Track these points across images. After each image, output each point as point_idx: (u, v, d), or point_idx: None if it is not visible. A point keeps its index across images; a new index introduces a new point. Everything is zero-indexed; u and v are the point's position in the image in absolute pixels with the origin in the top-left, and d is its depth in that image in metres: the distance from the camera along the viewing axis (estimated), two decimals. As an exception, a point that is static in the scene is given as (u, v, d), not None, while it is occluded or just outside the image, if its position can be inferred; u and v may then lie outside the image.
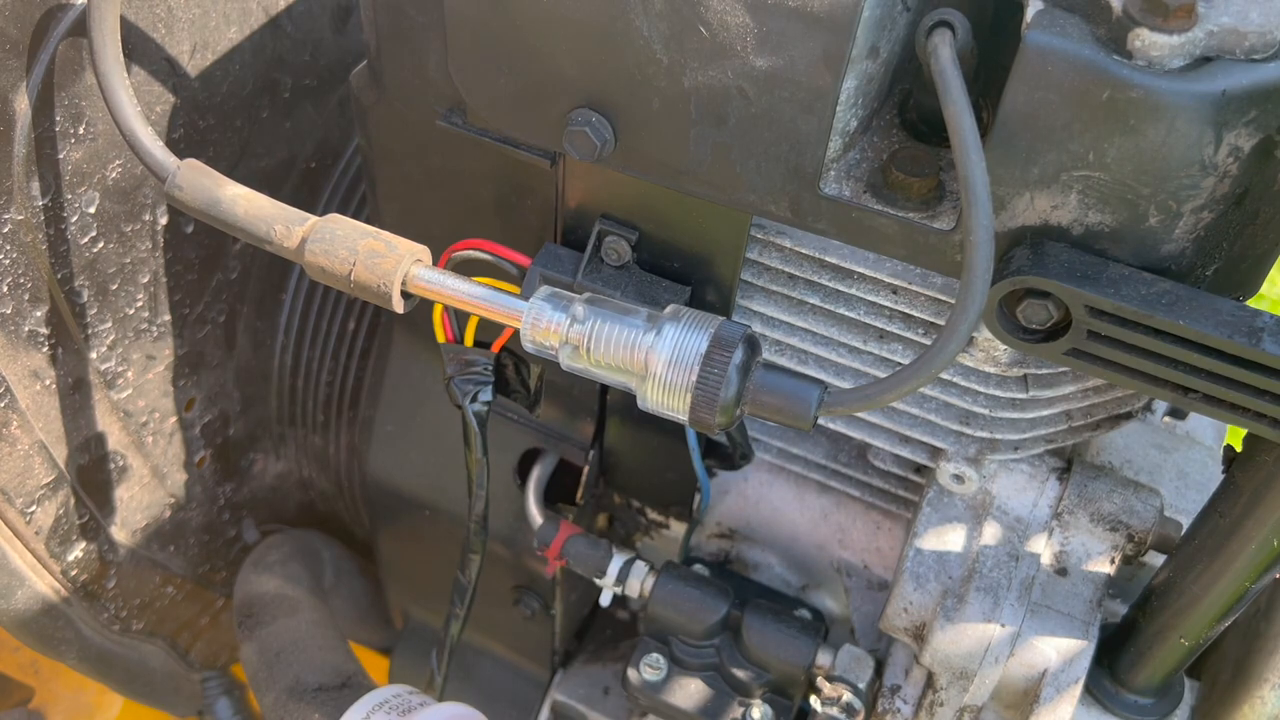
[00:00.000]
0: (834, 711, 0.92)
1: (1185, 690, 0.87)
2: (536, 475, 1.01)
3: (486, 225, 0.87)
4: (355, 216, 0.83)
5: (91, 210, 0.86)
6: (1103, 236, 0.64)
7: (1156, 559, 0.90)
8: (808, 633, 0.95)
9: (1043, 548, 0.86)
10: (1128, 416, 0.84)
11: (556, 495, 1.03)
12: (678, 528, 1.06)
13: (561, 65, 0.69)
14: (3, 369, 0.83)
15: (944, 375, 0.80)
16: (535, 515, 1.00)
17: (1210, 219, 0.63)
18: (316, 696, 1.00)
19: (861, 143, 0.71)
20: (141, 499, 1.05)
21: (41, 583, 0.96)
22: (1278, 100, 0.57)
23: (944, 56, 0.61)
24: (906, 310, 0.77)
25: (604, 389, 0.94)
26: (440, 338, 0.86)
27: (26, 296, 0.83)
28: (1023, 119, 0.61)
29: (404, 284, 0.71)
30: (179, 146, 0.91)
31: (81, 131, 0.81)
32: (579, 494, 1.00)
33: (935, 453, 0.87)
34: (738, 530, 1.07)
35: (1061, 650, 0.82)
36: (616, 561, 0.99)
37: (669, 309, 0.68)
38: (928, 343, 0.78)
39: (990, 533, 0.86)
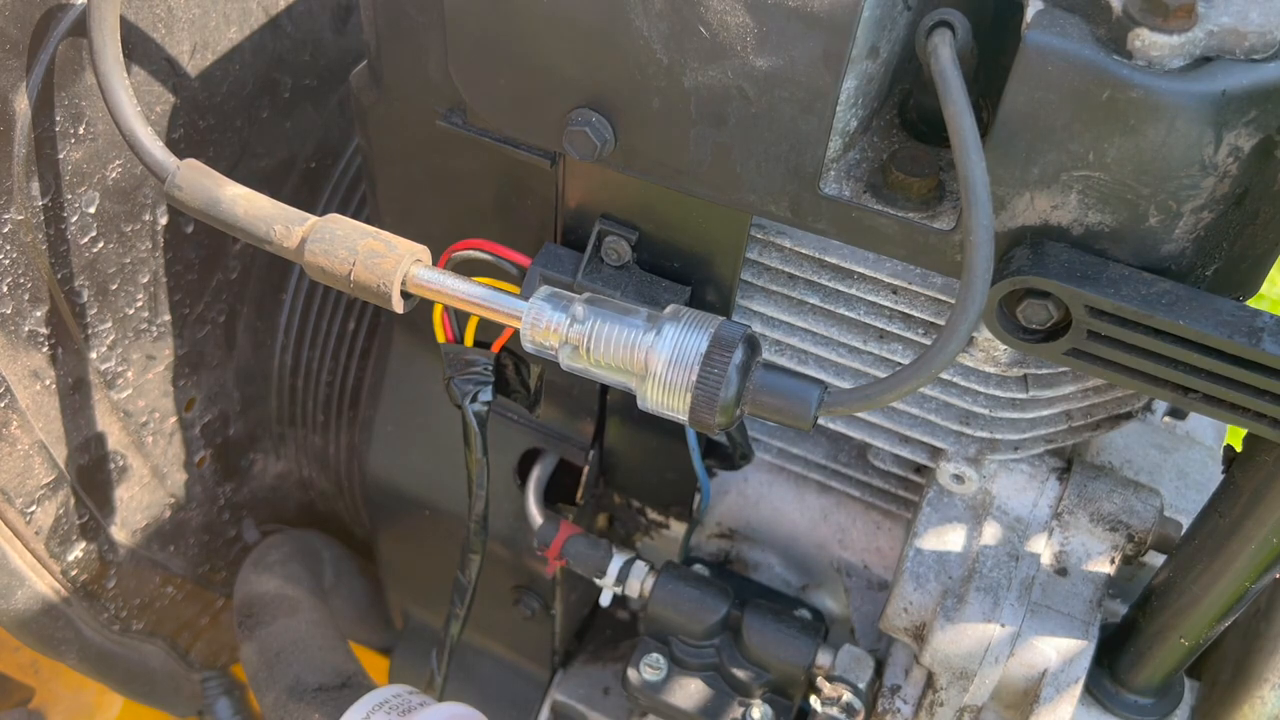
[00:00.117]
0: (834, 711, 0.92)
1: (1185, 690, 0.87)
2: (536, 475, 1.01)
3: (486, 225, 0.87)
4: (355, 216, 0.83)
5: (91, 210, 0.86)
6: (1103, 236, 0.64)
7: (1156, 559, 0.90)
8: (808, 633, 0.95)
9: (1043, 548, 0.86)
10: (1128, 416, 0.84)
11: (556, 495, 1.03)
12: (678, 528, 1.06)
13: (561, 65, 0.69)
14: (3, 369, 0.83)
15: (944, 375, 0.80)
16: (535, 515, 1.00)
17: (1210, 219, 0.63)
18: (316, 696, 1.00)
19: (861, 143, 0.71)
20: (141, 499, 1.05)
21: (41, 583, 0.96)
22: (1278, 100, 0.57)
23: (944, 56, 0.61)
24: (906, 310, 0.77)
25: (604, 389, 0.94)
26: (440, 338, 0.86)
27: (26, 296, 0.83)
28: (1023, 119, 0.61)
29: (404, 284, 0.71)
30: (179, 146, 0.91)
31: (81, 131, 0.81)
32: (579, 494, 1.00)
33: (935, 453, 0.87)
34: (738, 530, 1.07)
35: (1061, 650, 0.82)
36: (616, 561, 0.99)
37: (669, 309, 0.68)
38: (928, 343, 0.78)
39: (990, 533, 0.86)
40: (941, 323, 0.76)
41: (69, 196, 0.83)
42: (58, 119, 0.79)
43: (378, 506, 1.15)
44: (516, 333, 0.70)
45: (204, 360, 1.06)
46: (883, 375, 0.81)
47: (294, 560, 1.21)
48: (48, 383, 0.88)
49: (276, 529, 1.28)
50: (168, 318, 0.99)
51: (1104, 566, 0.86)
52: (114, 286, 0.91)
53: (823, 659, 0.95)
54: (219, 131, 0.96)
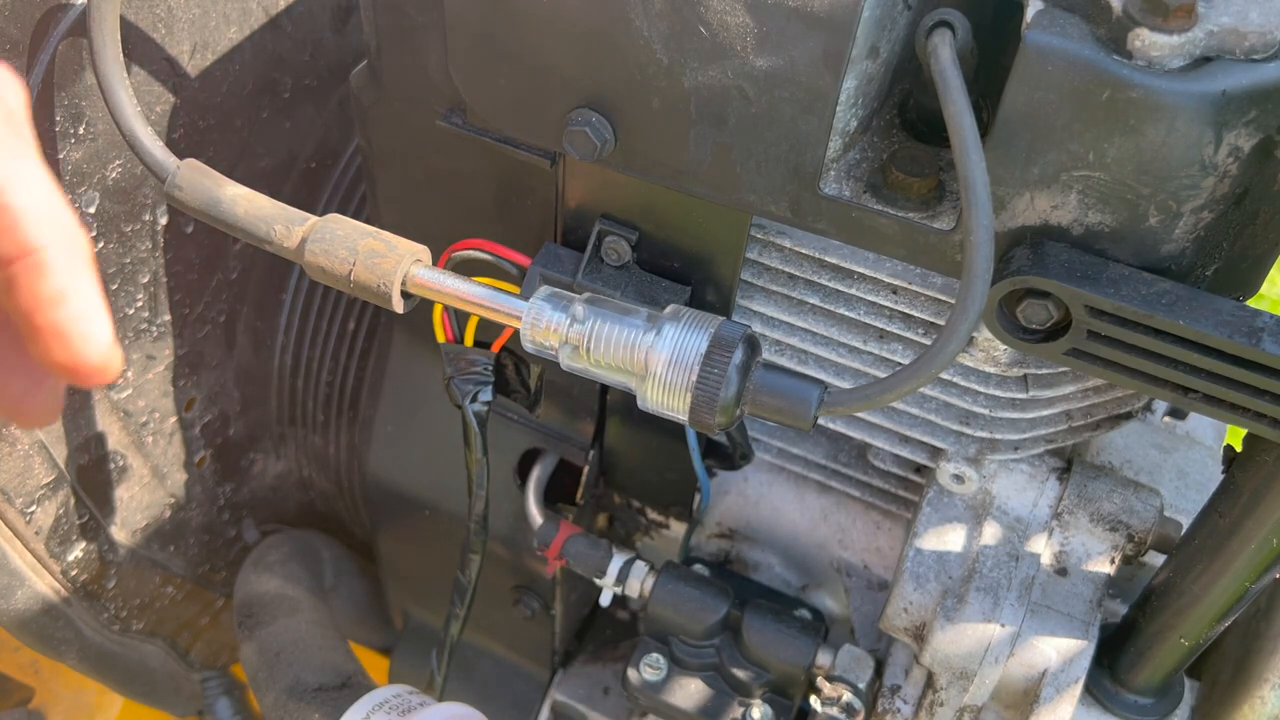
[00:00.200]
0: (834, 711, 0.92)
1: (1185, 690, 0.87)
2: (536, 475, 1.01)
3: (486, 225, 0.87)
4: (355, 216, 0.83)
5: (91, 210, 0.86)
6: (1103, 236, 0.64)
7: (1156, 559, 0.90)
8: (808, 633, 0.95)
9: (1043, 548, 0.86)
10: (1128, 416, 0.84)
11: (556, 495, 1.03)
12: (678, 528, 1.06)
13: (561, 65, 0.69)
14: (3, 369, 0.83)
15: (944, 375, 0.80)
16: (535, 515, 1.00)
17: (1210, 219, 0.63)
18: (316, 696, 1.00)
19: (861, 143, 0.71)
20: (141, 499, 1.05)
21: (41, 583, 0.96)
22: (1278, 100, 0.57)
23: (944, 56, 0.61)
24: (906, 310, 0.77)
25: (604, 389, 0.94)
26: (440, 338, 0.86)
27: (26, 296, 0.83)
28: (1023, 119, 0.61)
29: (404, 284, 0.71)
30: (179, 146, 0.91)
31: (81, 131, 0.81)
32: (579, 494, 1.00)
33: (935, 453, 0.87)
34: (738, 530, 1.07)
35: (1061, 650, 0.82)
36: (616, 561, 0.99)
37: (669, 309, 0.68)
38: (928, 343, 0.78)
39: (990, 533, 0.86)
40: (941, 323, 0.76)
41: (69, 196, 0.83)
42: (58, 119, 0.79)
43: (378, 506, 1.15)
44: (516, 333, 0.70)
45: (204, 360, 1.06)
46: (883, 375, 0.81)
47: (294, 560, 1.21)
48: (48, 383, 0.88)
49: (276, 529, 1.28)
50: (168, 318, 0.99)
51: (1104, 566, 0.86)
52: (114, 286, 0.91)
53: (823, 659, 0.95)
54: (219, 131, 0.96)
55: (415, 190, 0.88)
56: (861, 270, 0.76)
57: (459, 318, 0.86)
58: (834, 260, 0.77)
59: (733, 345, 0.65)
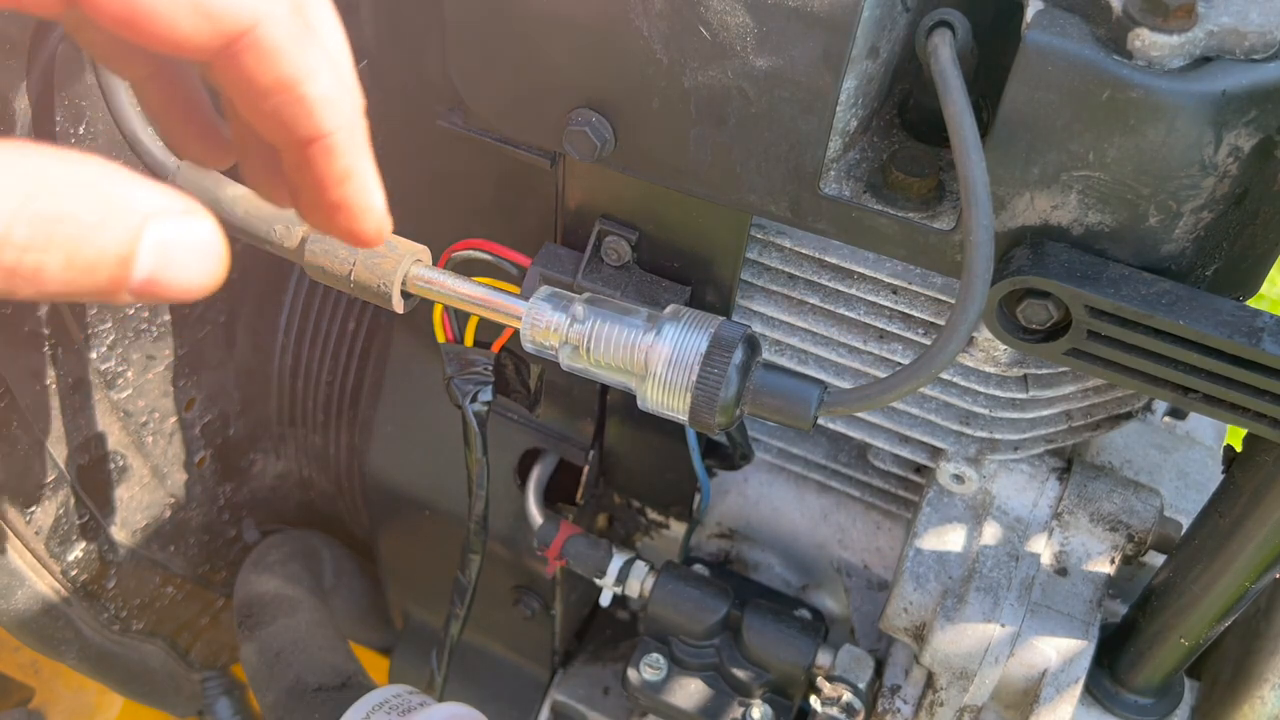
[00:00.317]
0: (834, 711, 0.92)
1: (1185, 690, 0.87)
2: (536, 475, 1.01)
3: (486, 225, 0.87)
4: (355, 216, 0.83)
5: (91, 210, 0.85)
6: (1103, 236, 0.64)
7: (1156, 559, 0.90)
8: (808, 633, 0.95)
9: (1043, 548, 0.86)
10: (1128, 416, 0.84)
11: (556, 495, 1.03)
12: (678, 528, 1.06)
13: (561, 65, 0.69)
14: (3, 369, 0.83)
15: (944, 375, 0.80)
16: (535, 515, 1.00)
17: (1210, 219, 0.63)
18: (316, 696, 1.00)
19: (861, 143, 0.71)
20: (141, 499, 1.05)
21: (41, 583, 0.96)
22: (1278, 100, 0.57)
23: (944, 56, 0.61)
24: (906, 310, 0.77)
25: (604, 389, 0.94)
26: (440, 338, 0.86)
27: (26, 296, 0.83)
28: (1023, 119, 0.61)
29: (404, 284, 0.71)
30: (179, 146, 0.91)
31: (81, 131, 0.81)
32: (579, 494, 1.00)
33: (935, 453, 0.87)
34: (738, 530, 1.07)
35: (1061, 650, 0.82)
36: (616, 561, 0.99)
37: (669, 309, 0.68)
38: (928, 343, 0.78)
39: (990, 533, 0.86)
40: (941, 323, 0.76)
41: None
42: (58, 119, 0.79)
43: (378, 506, 1.15)
44: (516, 333, 0.70)
45: (204, 360, 1.06)
46: (883, 375, 0.81)
47: (294, 560, 1.21)
48: (48, 383, 0.88)
49: (276, 529, 1.28)
50: (167, 318, 0.99)
51: (1104, 566, 0.86)
52: (114, 286, 0.91)
53: (823, 659, 0.95)
54: (219, 131, 0.96)
55: (415, 190, 0.88)
56: (861, 270, 0.76)
57: (459, 318, 0.86)
58: (834, 260, 0.77)
59: (733, 345, 0.65)
